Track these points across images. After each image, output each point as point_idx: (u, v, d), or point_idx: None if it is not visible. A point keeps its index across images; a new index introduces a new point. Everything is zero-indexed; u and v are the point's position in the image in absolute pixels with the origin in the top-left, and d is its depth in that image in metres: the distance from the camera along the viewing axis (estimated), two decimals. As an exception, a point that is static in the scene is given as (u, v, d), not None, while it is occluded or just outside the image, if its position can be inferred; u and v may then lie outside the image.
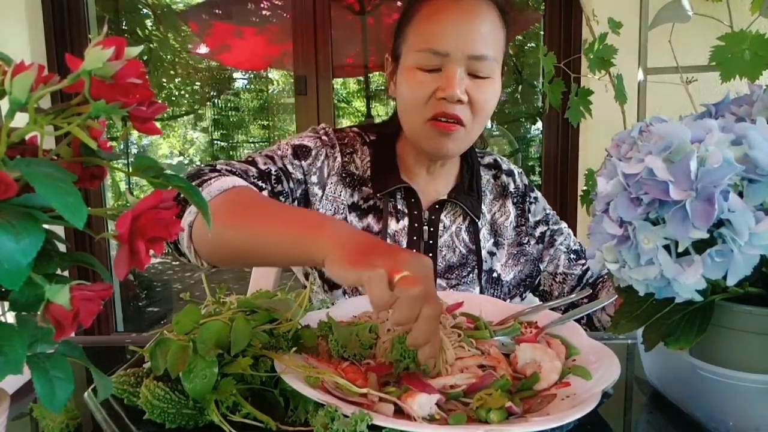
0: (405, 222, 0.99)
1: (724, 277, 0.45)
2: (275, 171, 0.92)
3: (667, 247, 0.47)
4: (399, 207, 0.99)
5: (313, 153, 0.98)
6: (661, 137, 0.47)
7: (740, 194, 0.45)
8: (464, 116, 0.90)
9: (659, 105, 1.71)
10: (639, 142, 0.53)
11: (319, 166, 0.98)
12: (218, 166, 0.85)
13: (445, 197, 1.01)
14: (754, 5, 1.47)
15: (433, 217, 1.00)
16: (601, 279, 1.03)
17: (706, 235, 0.44)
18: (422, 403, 0.54)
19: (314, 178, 0.97)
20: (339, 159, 1.00)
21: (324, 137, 1.01)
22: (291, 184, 0.94)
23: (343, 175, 1.00)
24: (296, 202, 0.97)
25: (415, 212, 0.99)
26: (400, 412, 0.54)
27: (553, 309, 0.80)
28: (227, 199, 0.76)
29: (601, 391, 0.56)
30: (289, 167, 0.95)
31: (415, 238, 0.98)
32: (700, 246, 0.45)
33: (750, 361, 0.50)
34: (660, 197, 0.45)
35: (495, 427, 0.51)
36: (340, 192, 0.99)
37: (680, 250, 0.46)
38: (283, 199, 0.93)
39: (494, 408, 0.53)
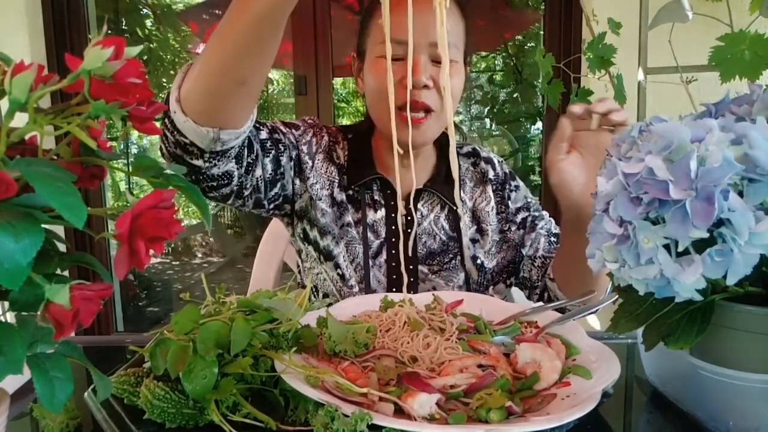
0: (382, 212, 1.03)
1: (724, 277, 0.45)
2: (269, 127, 0.97)
3: (667, 247, 0.47)
4: (375, 197, 1.03)
5: (302, 129, 1.04)
6: (661, 137, 0.47)
7: (740, 194, 0.45)
8: (432, 102, 0.92)
9: (659, 105, 1.71)
10: (639, 142, 0.53)
11: (307, 140, 1.03)
12: None
13: (422, 187, 1.04)
14: (754, 5, 1.47)
15: (410, 207, 1.02)
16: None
17: (706, 235, 0.44)
18: (422, 402, 0.54)
19: (304, 148, 1.02)
20: (326, 139, 1.05)
21: (310, 121, 1.07)
22: (286, 140, 0.99)
23: (330, 154, 1.05)
24: (291, 161, 1.00)
25: (392, 202, 1.03)
26: (400, 412, 0.54)
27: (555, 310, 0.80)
28: (194, 62, 0.78)
29: (601, 391, 0.56)
30: (282, 128, 1.00)
31: (393, 227, 1.02)
32: (700, 245, 0.45)
33: (750, 361, 0.50)
34: (660, 197, 0.45)
35: (495, 427, 0.51)
36: (328, 167, 1.03)
37: (680, 249, 0.46)
38: (282, 148, 0.97)
39: (494, 408, 0.53)
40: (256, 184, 0.93)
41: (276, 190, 0.98)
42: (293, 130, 1.02)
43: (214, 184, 0.86)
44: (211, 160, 0.82)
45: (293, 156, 1.00)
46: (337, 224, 1.02)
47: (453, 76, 0.93)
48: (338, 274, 1.00)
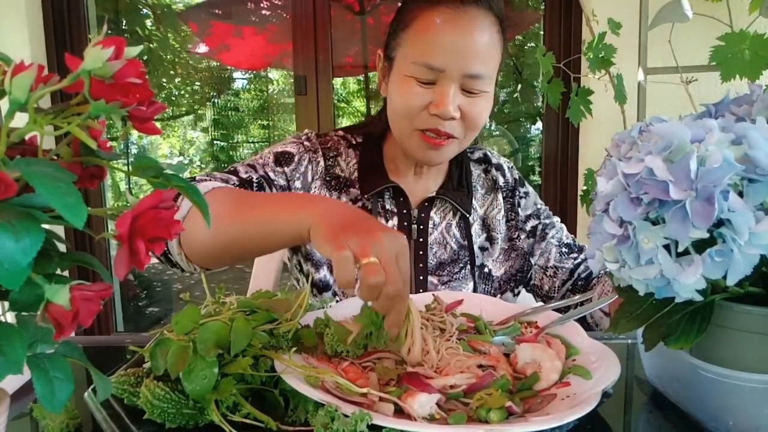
0: (394, 221, 1.00)
1: (724, 277, 0.45)
2: (257, 178, 0.93)
3: (667, 247, 0.47)
4: (387, 207, 1.00)
5: (296, 159, 0.99)
6: (661, 137, 0.47)
7: (740, 194, 0.45)
8: (456, 131, 0.90)
9: (659, 105, 1.71)
10: (639, 142, 0.53)
11: (302, 171, 0.99)
12: (197, 177, 0.87)
13: (434, 194, 1.02)
14: (754, 5, 1.47)
15: (422, 215, 1.01)
16: (595, 275, 1.02)
17: (706, 235, 0.44)
18: (422, 402, 0.54)
19: (298, 183, 0.98)
20: (322, 163, 1.01)
21: (306, 143, 1.02)
22: (274, 191, 0.95)
23: (327, 178, 1.01)
24: None
25: (404, 211, 1.00)
26: (400, 412, 0.54)
27: (555, 310, 0.80)
28: (209, 200, 0.77)
29: (601, 391, 0.56)
30: (271, 174, 0.96)
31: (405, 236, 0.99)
32: (700, 246, 0.45)
33: (750, 361, 0.50)
34: (660, 197, 0.45)
35: (495, 427, 0.51)
36: (325, 195, 1.00)
37: (680, 249, 0.46)
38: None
39: (494, 408, 0.53)
40: None
41: None
42: (286, 168, 0.97)
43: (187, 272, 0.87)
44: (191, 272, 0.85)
45: None
46: None
47: (481, 106, 0.91)
48: (337, 302, 0.99)
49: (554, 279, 1.05)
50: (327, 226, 0.62)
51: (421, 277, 0.99)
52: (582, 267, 1.04)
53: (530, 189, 1.11)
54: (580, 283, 1.03)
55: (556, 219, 1.10)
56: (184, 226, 0.76)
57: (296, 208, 0.68)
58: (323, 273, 1.00)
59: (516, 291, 1.08)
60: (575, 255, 1.06)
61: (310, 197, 0.71)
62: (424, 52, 0.88)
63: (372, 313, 0.64)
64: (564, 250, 1.06)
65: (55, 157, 0.40)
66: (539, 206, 1.10)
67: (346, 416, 0.49)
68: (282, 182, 0.97)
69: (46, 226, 0.34)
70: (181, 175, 0.41)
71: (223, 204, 0.75)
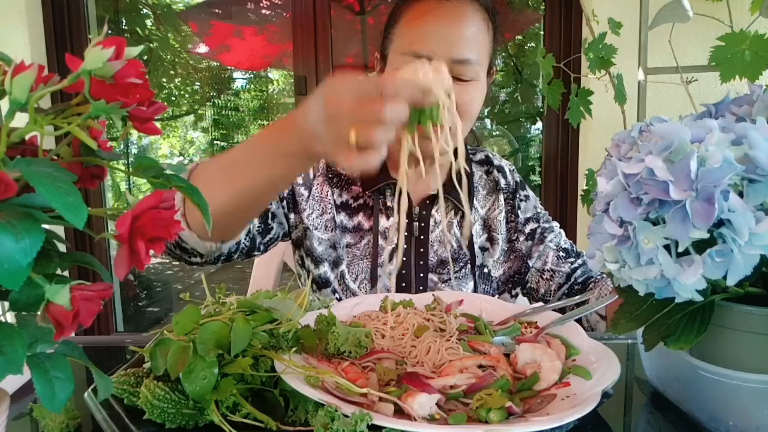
0: (396, 218, 1.01)
1: (724, 277, 0.45)
2: None
3: (667, 247, 0.47)
4: (389, 203, 1.01)
5: None
6: (661, 137, 0.47)
7: (740, 194, 0.45)
8: (447, 121, 0.90)
9: (659, 105, 1.71)
10: (639, 142, 0.53)
11: None
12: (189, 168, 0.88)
13: (435, 192, 1.02)
14: (754, 5, 1.47)
15: (423, 213, 1.01)
16: (592, 280, 1.03)
17: (706, 235, 0.44)
18: (422, 403, 0.54)
19: (299, 180, 1.00)
20: (323, 160, 1.02)
21: None
22: None
23: (330, 175, 1.02)
24: (284, 201, 1.00)
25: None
26: (400, 412, 0.54)
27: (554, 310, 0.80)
28: (196, 175, 0.78)
29: (601, 391, 0.56)
30: None
31: (405, 234, 1.00)
32: (700, 246, 0.45)
33: (750, 361, 0.50)
34: (660, 197, 0.45)
35: (495, 427, 0.51)
36: (327, 192, 1.01)
37: (680, 250, 0.46)
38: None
39: (494, 408, 0.53)
40: (248, 244, 0.93)
41: (270, 236, 0.98)
42: None
43: (205, 261, 0.86)
44: (208, 260, 0.84)
45: (285, 195, 0.99)
46: (337, 247, 1.00)
47: (472, 94, 0.92)
48: (337, 299, 0.99)
49: (550, 282, 1.05)
50: (312, 139, 0.62)
51: (422, 275, 1.00)
52: (579, 272, 1.04)
53: (530, 193, 1.12)
54: (576, 287, 1.03)
55: (555, 224, 1.11)
56: (187, 206, 0.77)
57: (281, 135, 0.67)
58: (323, 269, 1.00)
59: (514, 293, 1.08)
60: (572, 259, 1.06)
61: (288, 117, 0.70)
62: (411, 42, 0.90)
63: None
64: (561, 254, 1.06)
65: (56, 157, 0.40)
66: (539, 210, 1.10)
67: (346, 416, 0.49)
68: None
69: (46, 226, 0.34)
70: (181, 175, 0.41)
71: (211, 175, 0.75)
